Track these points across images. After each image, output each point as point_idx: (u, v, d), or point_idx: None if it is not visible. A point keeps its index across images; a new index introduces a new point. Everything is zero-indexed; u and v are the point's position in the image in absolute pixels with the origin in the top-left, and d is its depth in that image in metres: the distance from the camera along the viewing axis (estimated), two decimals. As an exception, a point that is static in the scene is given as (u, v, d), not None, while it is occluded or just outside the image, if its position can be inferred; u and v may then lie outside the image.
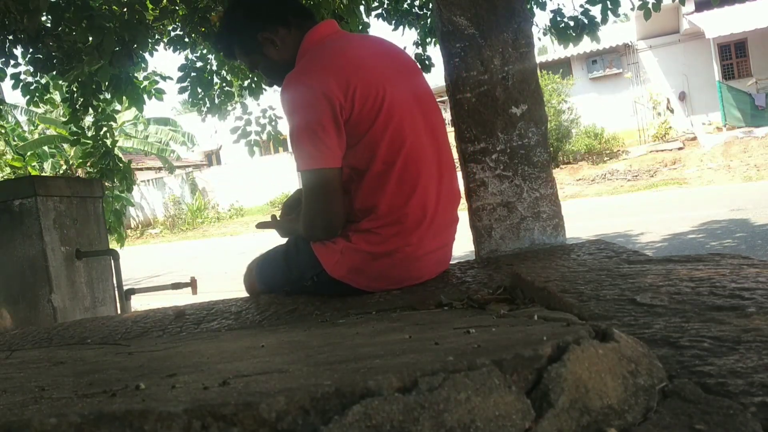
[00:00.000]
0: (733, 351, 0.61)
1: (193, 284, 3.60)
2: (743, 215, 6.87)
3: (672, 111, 17.07)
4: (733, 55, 16.46)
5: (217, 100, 5.34)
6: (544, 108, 1.90)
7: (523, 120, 1.84)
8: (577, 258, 1.59)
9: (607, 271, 1.09)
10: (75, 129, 4.65)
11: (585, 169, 14.92)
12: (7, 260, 3.17)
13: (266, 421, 0.46)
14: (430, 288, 1.51)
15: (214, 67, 5.35)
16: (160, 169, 20.87)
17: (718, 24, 14.31)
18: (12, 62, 4.10)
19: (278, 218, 1.82)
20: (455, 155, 1.73)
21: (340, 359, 0.66)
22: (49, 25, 3.70)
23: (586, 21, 4.56)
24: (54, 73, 4.14)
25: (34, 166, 12.73)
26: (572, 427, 0.50)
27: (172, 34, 5.01)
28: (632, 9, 4.62)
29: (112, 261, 3.54)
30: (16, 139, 13.36)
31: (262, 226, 1.81)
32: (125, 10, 3.55)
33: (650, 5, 4.46)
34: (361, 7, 4.73)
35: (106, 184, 4.83)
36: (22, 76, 4.39)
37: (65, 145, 13.69)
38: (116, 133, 5.16)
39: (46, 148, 14.08)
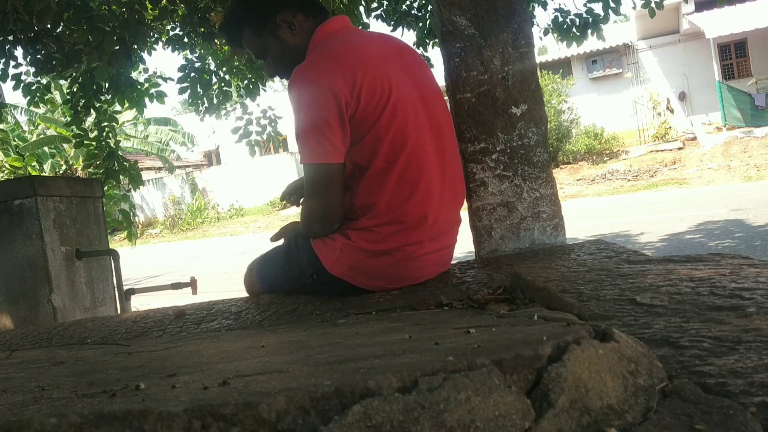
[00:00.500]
0: (733, 351, 0.61)
1: (193, 284, 3.60)
2: (743, 215, 6.87)
3: (672, 111, 17.07)
4: (733, 55, 16.47)
5: (215, 101, 5.35)
6: (544, 108, 1.90)
7: (523, 120, 1.84)
8: (577, 258, 1.59)
9: (607, 271, 1.09)
10: (77, 131, 4.65)
11: (585, 169, 14.92)
12: (7, 260, 3.17)
13: (266, 421, 0.46)
14: (430, 288, 1.51)
15: (213, 68, 5.36)
16: (160, 169, 20.88)
17: (718, 24, 14.31)
18: (12, 63, 4.10)
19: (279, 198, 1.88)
20: (457, 155, 1.73)
21: (340, 359, 0.66)
22: (49, 25, 3.70)
23: (590, 19, 4.54)
24: (54, 74, 4.14)
25: (33, 166, 12.71)
26: (572, 427, 0.50)
27: (171, 33, 5.01)
28: (634, 8, 4.60)
29: (112, 261, 3.54)
30: (16, 139, 13.36)
31: (275, 238, 1.81)
32: (124, 10, 3.55)
33: (653, 4, 4.43)
34: (361, 8, 4.73)
35: (113, 183, 4.83)
36: (23, 77, 4.38)
37: (65, 146, 13.71)
38: (117, 134, 5.16)
39: (46, 148, 14.09)
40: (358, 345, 0.80)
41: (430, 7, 4.70)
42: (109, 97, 4.59)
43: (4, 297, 3.19)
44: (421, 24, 4.95)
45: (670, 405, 0.53)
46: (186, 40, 4.90)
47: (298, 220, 1.68)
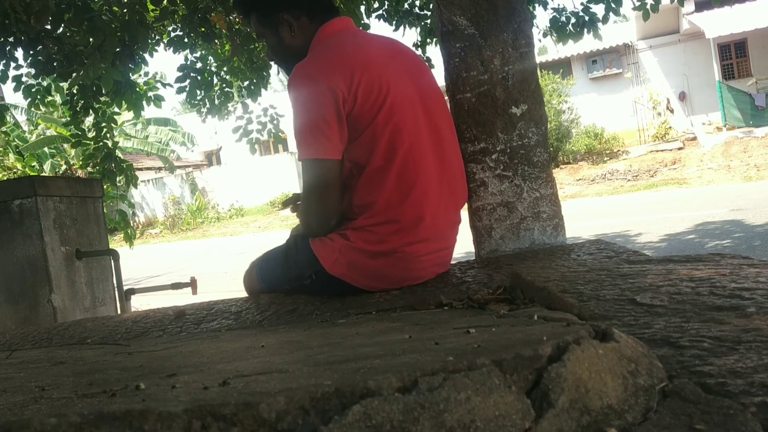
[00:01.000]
0: (733, 351, 0.61)
1: (193, 284, 3.59)
2: (743, 215, 6.87)
3: (672, 111, 17.07)
4: (733, 55, 16.47)
5: (216, 101, 5.35)
6: (544, 108, 1.90)
7: (523, 120, 1.84)
8: (577, 258, 1.59)
9: (607, 271, 1.09)
10: (76, 131, 4.66)
11: (585, 169, 14.92)
12: (7, 260, 3.17)
13: (266, 421, 0.46)
14: (430, 288, 1.51)
15: (214, 68, 5.36)
16: (160, 169, 20.87)
17: (718, 24, 14.31)
18: (13, 64, 4.10)
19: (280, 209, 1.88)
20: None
21: (340, 359, 0.66)
22: (49, 26, 3.70)
23: (586, 18, 4.55)
24: (55, 75, 4.14)
25: (33, 166, 12.71)
26: (572, 427, 0.50)
27: (172, 34, 5.01)
28: (634, 9, 4.61)
29: (112, 261, 3.54)
30: (16, 140, 13.35)
31: (284, 206, 1.85)
32: (125, 11, 3.55)
33: (648, 6, 4.45)
34: (362, 8, 4.73)
35: (110, 184, 4.83)
36: (24, 78, 4.38)
37: (65, 146, 13.70)
38: (116, 134, 5.16)
39: (46, 148, 14.08)
40: (358, 345, 0.80)
41: (431, 6, 4.70)
42: (108, 99, 4.59)
43: (4, 297, 3.19)
44: (422, 23, 4.95)
45: (670, 405, 0.53)
46: (186, 40, 4.90)
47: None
